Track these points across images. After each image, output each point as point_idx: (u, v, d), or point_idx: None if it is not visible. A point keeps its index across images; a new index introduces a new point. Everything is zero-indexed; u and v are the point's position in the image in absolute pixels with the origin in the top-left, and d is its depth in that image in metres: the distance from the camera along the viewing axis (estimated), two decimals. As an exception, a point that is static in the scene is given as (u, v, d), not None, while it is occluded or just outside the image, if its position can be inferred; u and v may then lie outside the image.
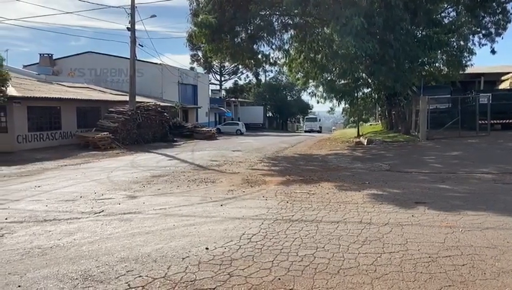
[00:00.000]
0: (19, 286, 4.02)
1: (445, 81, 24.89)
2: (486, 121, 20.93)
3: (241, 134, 41.62)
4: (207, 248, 5.00)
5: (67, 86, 27.42)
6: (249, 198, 8.17)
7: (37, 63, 35.47)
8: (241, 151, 19.29)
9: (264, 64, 25.47)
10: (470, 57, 22.00)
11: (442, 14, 22.98)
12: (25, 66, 35.72)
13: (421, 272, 4.21)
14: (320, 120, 62.23)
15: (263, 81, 64.81)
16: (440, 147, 17.55)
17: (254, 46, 21.19)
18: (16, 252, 5.07)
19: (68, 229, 6.05)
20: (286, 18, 20.61)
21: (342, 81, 24.13)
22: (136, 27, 23.81)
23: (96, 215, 6.95)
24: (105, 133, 21.20)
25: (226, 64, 56.65)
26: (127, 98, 25.37)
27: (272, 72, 61.72)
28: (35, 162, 15.18)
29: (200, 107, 44.05)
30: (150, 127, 24.92)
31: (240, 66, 53.25)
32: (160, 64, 35.72)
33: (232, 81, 65.02)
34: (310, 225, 5.96)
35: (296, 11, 18.73)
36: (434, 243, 5.10)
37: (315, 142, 25.52)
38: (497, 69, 31.52)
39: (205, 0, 18.86)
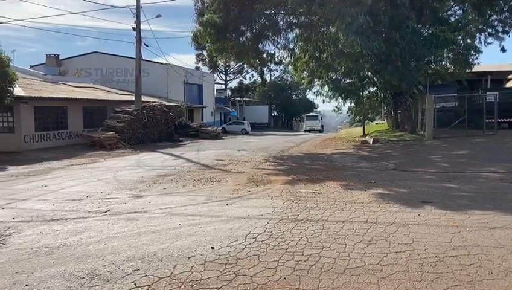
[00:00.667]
0: (26, 285, 4.05)
1: (452, 80, 24.76)
2: (493, 120, 20.79)
3: (247, 133, 41.63)
4: (212, 247, 5.00)
5: (74, 86, 27.57)
6: (255, 197, 8.17)
7: (44, 63, 35.72)
8: (247, 150, 19.30)
9: (269, 64, 25.48)
10: (477, 55, 21.88)
11: (449, 12, 22.86)
12: (31, 67, 35.99)
13: (428, 272, 4.19)
14: (321, 118, 59.11)
15: (268, 80, 64.67)
16: (447, 146, 17.45)
17: (259, 46, 21.22)
18: (23, 251, 5.11)
19: (75, 229, 6.09)
20: (291, 17, 20.59)
21: (348, 80, 24.10)
22: (142, 27, 23.93)
23: (102, 214, 6.99)
24: (111, 132, 21.30)
25: (231, 63, 56.67)
26: (132, 97, 25.48)
27: (277, 71, 61.62)
28: (42, 162, 15.29)
29: (205, 107, 44.12)
30: (156, 126, 25.00)
31: (245, 66, 53.19)
32: (165, 64, 35.82)
33: (237, 80, 65.05)
34: (315, 225, 5.95)
35: (301, 10, 18.70)
36: (441, 242, 5.07)
37: (320, 142, 25.46)
38: (505, 67, 31.24)
39: (210, 0, 18.88)
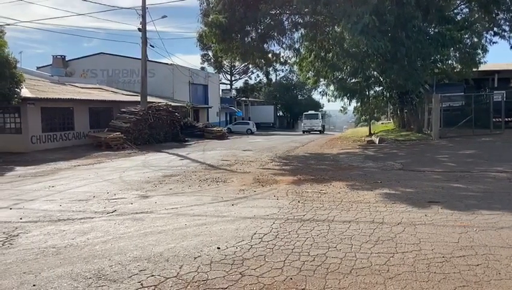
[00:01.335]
0: (34, 285, 4.08)
1: (458, 79, 24.56)
2: (500, 119, 20.63)
3: (252, 133, 41.63)
4: (218, 248, 5.01)
5: (80, 87, 27.72)
6: (260, 197, 8.16)
7: (51, 65, 35.94)
8: (252, 150, 19.30)
9: (274, 64, 25.55)
10: (484, 54, 21.69)
11: (455, 11, 22.68)
12: (38, 68, 36.26)
13: (435, 272, 4.16)
14: (322, 117, 52.95)
15: (274, 80, 64.74)
16: (453, 145, 17.34)
17: (264, 46, 21.22)
18: (30, 251, 5.15)
19: (82, 229, 6.12)
20: (296, 17, 20.57)
21: (353, 80, 24.01)
22: (147, 28, 24.00)
23: (109, 215, 7.02)
24: (117, 133, 21.39)
25: (237, 63, 56.72)
26: (138, 98, 25.57)
27: (282, 71, 61.77)
28: (49, 163, 15.39)
29: (210, 107, 44.20)
30: (161, 127, 25.07)
31: (251, 66, 53.31)
32: (171, 64, 35.90)
33: (243, 80, 65.04)
34: (321, 225, 5.94)
35: (306, 9, 18.67)
36: (448, 242, 5.04)
37: (326, 142, 25.41)
38: (512, 66, 30.95)
39: (215, 0, 18.91)
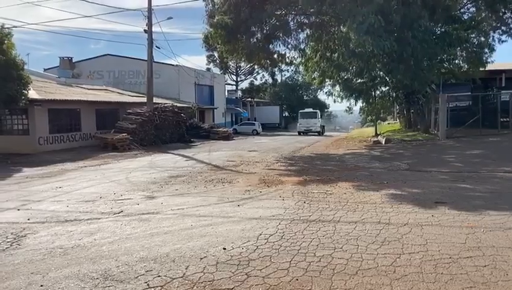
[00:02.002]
0: (41, 286, 4.11)
1: (465, 79, 24.39)
2: (508, 119, 20.47)
3: (258, 134, 41.63)
4: (224, 248, 5.02)
5: (87, 89, 27.88)
6: (266, 198, 8.16)
7: (58, 66, 36.16)
8: (258, 151, 19.30)
9: (280, 64, 25.55)
10: (491, 53, 21.53)
11: (462, 10, 22.56)
12: (45, 70, 36.50)
13: (442, 273, 4.14)
14: (321, 116, 46.07)
15: (279, 80, 64.76)
16: (460, 145, 17.23)
17: (270, 46, 21.24)
18: (38, 252, 5.19)
19: (88, 230, 6.16)
20: (302, 17, 20.56)
21: (359, 80, 23.94)
22: (153, 29, 24.08)
23: (115, 215, 7.05)
24: (123, 134, 21.49)
25: (242, 64, 56.76)
26: (144, 99, 25.66)
27: (288, 71, 61.62)
28: (56, 164, 15.49)
29: (216, 108, 44.27)
30: (167, 128, 25.14)
31: (256, 66, 53.23)
32: (176, 65, 36.02)
33: (248, 81, 65.06)
34: (327, 225, 5.93)
35: (311, 10, 18.66)
36: (455, 243, 5.01)
37: (332, 142, 25.37)
38: (520, 65, 30.68)
39: (221, 1, 18.96)
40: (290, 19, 20.61)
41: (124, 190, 9.51)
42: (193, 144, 25.48)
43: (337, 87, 25.60)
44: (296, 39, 21.20)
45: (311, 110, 44.91)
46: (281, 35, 20.42)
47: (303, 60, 23.43)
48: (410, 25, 16.59)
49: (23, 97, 17.34)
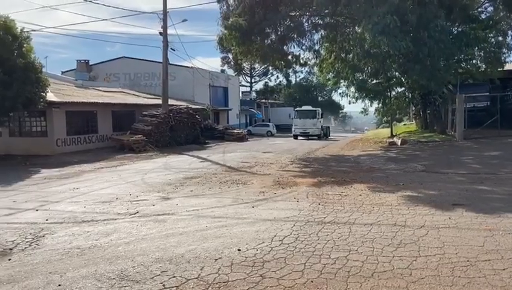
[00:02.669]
0: (59, 285, 4.18)
1: (483, 79, 23.96)
2: (527, 120, 20.04)
3: (272, 135, 41.60)
4: (239, 250, 5.03)
5: (103, 91, 28.28)
6: (280, 200, 8.16)
7: (75, 69, 36.80)
8: (272, 152, 19.29)
9: (294, 65, 25.42)
10: (509, 53, 21.12)
11: (479, 10, 22.16)
12: (63, 72, 37.16)
13: (459, 277, 4.08)
14: (322, 115, 35.54)
15: (293, 82, 64.68)
16: (478, 146, 16.94)
17: (284, 47, 21.20)
18: (56, 252, 5.28)
19: (105, 230, 6.24)
20: (316, 18, 20.48)
21: (374, 81, 23.76)
22: (168, 31, 24.32)
23: (131, 216, 7.13)
24: (139, 136, 21.71)
25: (256, 66, 56.95)
26: (160, 101, 25.91)
27: (302, 72, 61.64)
28: (74, 165, 15.74)
29: (230, 109, 44.41)
30: (182, 129, 25.32)
31: (270, 68, 53.40)
32: (191, 67, 36.28)
33: (262, 82, 65.28)
34: (342, 227, 5.89)
35: (326, 11, 18.58)
36: (473, 246, 4.93)
37: (347, 143, 25.20)
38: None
39: (235, 3, 19.02)
40: (304, 20, 20.55)
41: (140, 191, 9.61)
42: (208, 145, 25.60)
43: (352, 88, 25.44)
44: (311, 40, 21.14)
45: (309, 108, 36.22)
46: (295, 36, 20.38)
47: (317, 61, 23.35)
48: (426, 24, 16.37)
49: (41, 99, 17.66)
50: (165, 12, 23.91)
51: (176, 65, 35.17)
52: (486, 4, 22.65)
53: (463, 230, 5.61)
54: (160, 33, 24.26)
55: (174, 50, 26.54)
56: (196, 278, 4.24)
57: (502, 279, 3.99)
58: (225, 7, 19.83)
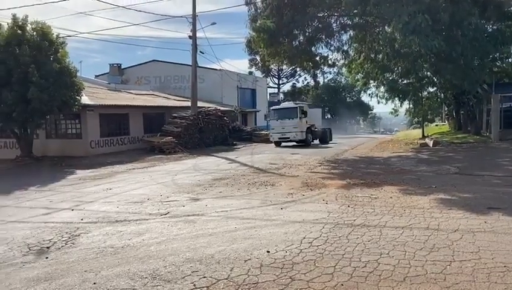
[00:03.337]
0: (94, 283, 4.32)
1: (521, 78, 23.12)
2: None
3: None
4: (268, 251, 5.04)
5: (135, 94, 28.94)
6: (309, 201, 8.12)
7: (108, 73, 37.83)
8: (300, 154, 19.19)
9: (322, 66, 25.27)
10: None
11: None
12: (96, 76, 38.26)
13: (496, 282, 3.95)
14: (306, 113, 25.58)
15: (321, 83, 64.15)
16: (515, 148, 16.31)
17: (312, 49, 21.11)
18: (91, 251, 5.46)
19: (137, 230, 6.40)
20: (345, 19, 20.29)
21: (405, 81, 23.31)
22: (197, 35, 24.64)
23: (162, 216, 7.28)
24: (169, 137, 22.10)
25: (284, 67, 56.81)
26: (189, 103, 26.26)
27: (330, 73, 61.00)
28: (107, 166, 16.19)
29: (258, 111, 44.46)
30: (211, 131, 25.58)
31: (298, 69, 53.16)
32: (219, 69, 36.60)
33: (290, 83, 65.07)
34: (373, 230, 5.81)
35: (355, 11, 18.37)
36: (510, 251, 4.76)
37: (376, 145, 24.77)
38: None
39: (263, 6, 19.09)
40: (332, 20, 20.40)
41: (170, 192, 9.79)
42: (236, 146, 25.74)
43: (382, 89, 25.06)
44: (339, 41, 20.97)
45: (291, 104, 27.39)
46: (323, 37, 20.25)
47: (346, 62, 23.12)
48: (459, 23, 15.91)
49: (76, 103, 18.26)
50: (194, 16, 24.25)
51: (204, 68, 35.55)
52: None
53: (500, 235, 5.42)
54: (190, 36, 24.61)
55: (202, 53, 26.88)
56: (226, 278, 4.29)
57: (542, 286, 3.84)
58: (253, 9, 19.94)
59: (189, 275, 4.42)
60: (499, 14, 17.95)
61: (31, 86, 15.78)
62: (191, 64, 25.44)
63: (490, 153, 15.37)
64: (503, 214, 6.43)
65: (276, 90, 62.15)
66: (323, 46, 21.14)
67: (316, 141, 26.52)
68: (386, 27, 19.24)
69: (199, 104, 26.27)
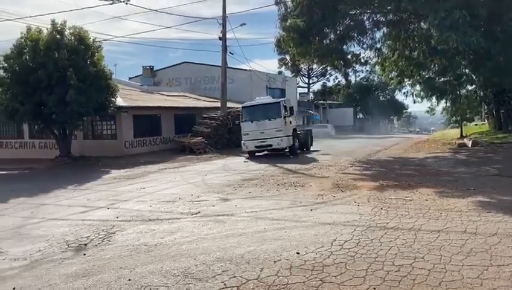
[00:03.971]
0: (129, 280, 4.43)
1: None
2: None
3: (331, 137, 40.87)
4: (298, 253, 5.01)
5: (166, 95, 29.48)
6: (340, 203, 8.00)
7: (140, 75, 38.72)
8: (330, 154, 18.95)
9: (354, 65, 24.92)
10: None
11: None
12: (130, 78, 39.25)
13: (539, 291, 3.76)
14: (292, 111, 19.48)
15: (353, 81, 63.17)
16: (560, 148, 15.50)
17: (343, 47, 20.82)
18: (125, 248, 5.60)
19: (169, 229, 6.51)
20: (378, 15, 19.90)
21: (442, 79, 22.64)
22: (227, 36, 24.80)
23: (193, 216, 7.38)
24: (199, 138, 22.35)
25: (314, 66, 56.26)
26: (219, 104, 26.50)
27: (362, 72, 60.04)
28: (140, 166, 16.57)
29: (288, 111, 44.27)
30: (240, 131, 25.66)
31: (329, 68, 52.52)
32: (249, 70, 36.72)
33: (320, 83, 64.39)
34: (407, 234, 5.65)
35: (389, 7, 18.00)
36: (554, 258, 4.52)
37: (411, 145, 24.15)
38: None
39: (293, 5, 18.99)
40: (365, 18, 20.05)
41: (201, 192, 9.90)
42: (266, 147, 25.67)
43: (418, 87, 24.42)
44: (372, 38, 20.60)
45: (269, 99, 21.01)
46: (355, 35, 19.94)
47: (379, 60, 22.68)
48: (498, 19, 15.29)
49: (111, 104, 18.79)
50: (224, 17, 24.44)
51: (234, 68, 35.75)
52: None
53: (543, 240, 5.16)
54: (220, 38, 24.81)
55: (232, 54, 27.00)
56: (256, 279, 4.29)
57: None
58: (283, 9, 19.88)
59: (220, 274, 4.45)
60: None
61: (70, 88, 16.33)
62: (220, 65, 25.65)
63: (532, 154, 14.69)
64: (546, 218, 6.12)
65: (306, 90, 61.72)
66: (355, 44, 20.86)
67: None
68: (421, 23, 18.76)
69: (228, 104, 26.42)
